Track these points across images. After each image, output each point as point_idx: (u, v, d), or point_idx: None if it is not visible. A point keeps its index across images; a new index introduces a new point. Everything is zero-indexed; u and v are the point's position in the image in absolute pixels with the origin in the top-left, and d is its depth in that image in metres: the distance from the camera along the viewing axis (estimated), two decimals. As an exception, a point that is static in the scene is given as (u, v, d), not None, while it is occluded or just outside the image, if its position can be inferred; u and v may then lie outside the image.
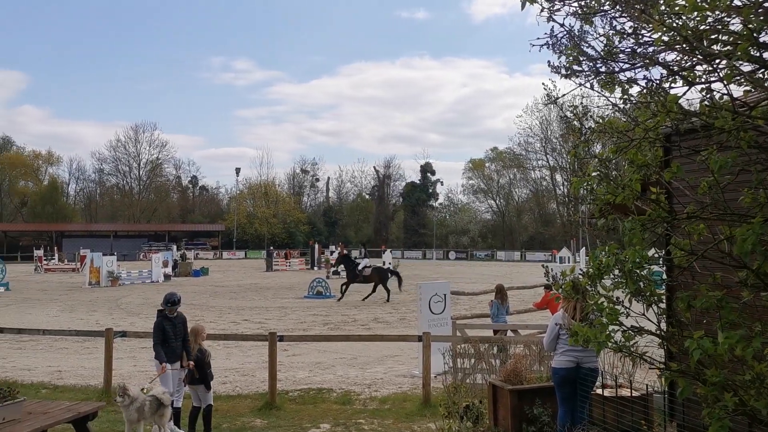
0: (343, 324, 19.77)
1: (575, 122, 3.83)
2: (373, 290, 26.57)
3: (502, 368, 8.24)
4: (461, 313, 16.97)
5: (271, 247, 62.64)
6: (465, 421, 7.48)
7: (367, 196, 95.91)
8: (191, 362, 8.38)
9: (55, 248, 64.39)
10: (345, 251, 32.10)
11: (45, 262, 51.96)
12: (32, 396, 9.20)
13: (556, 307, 12.92)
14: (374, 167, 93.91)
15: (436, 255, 75.25)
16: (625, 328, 3.32)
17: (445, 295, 12.57)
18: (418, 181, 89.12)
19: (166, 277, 39.64)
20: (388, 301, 25.83)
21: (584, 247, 47.09)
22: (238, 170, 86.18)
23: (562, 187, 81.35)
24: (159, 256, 41.64)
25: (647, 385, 6.63)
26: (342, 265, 27.41)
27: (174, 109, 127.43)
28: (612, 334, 3.26)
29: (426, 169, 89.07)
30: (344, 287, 26.94)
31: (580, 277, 3.51)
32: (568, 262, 38.87)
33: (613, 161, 3.69)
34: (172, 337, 8.47)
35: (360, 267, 27.36)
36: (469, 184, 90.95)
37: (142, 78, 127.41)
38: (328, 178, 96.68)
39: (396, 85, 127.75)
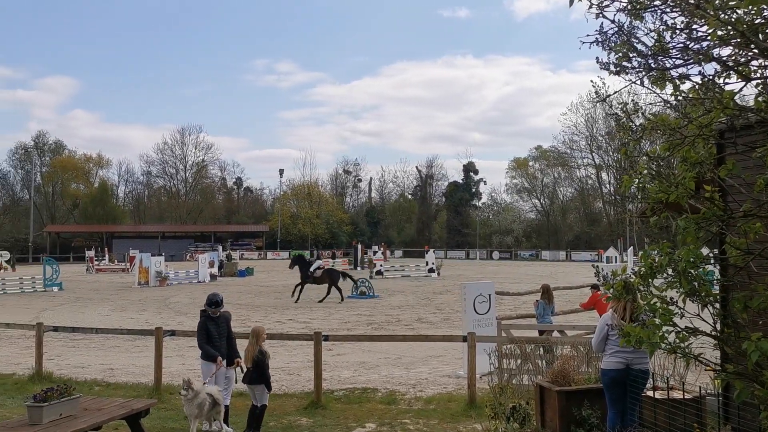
0: (387, 324, 19.81)
1: (625, 120, 3.76)
2: (328, 292, 27.17)
3: (549, 369, 8.15)
4: (506, 314, 16.84)
5: (315, 248, 63.08)
6: (512, 422, 7.42)
7: (409, 196, 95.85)
8: (238, 359, 8.50)
9: (106, 249, 66.05)
10: (299, 253, 33.56)
11: (96, 263, 53.36)
12: (86, 393, 9.45)
13: (603, 307, 12.72)
14: (416, 167, 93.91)
15: (479, 255, 74.75)
16: (679, 329, 3.25)
17: (489, 295, 12.49)
18: (460, 181, 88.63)
19: (213, 277, 40.24)
20: (342, 300, 26.48)
21: (632, 247, 46.26)
22: (281, 171, 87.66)
23: (608, 186, 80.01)
24: (205, 257, 42.31)
25: (700, 387, 6.48)
26: (297, 266, 28.92)
27: (219, 112, 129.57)
28: (666, 335, 3.19)
29: (469, 169, 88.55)
30: (299, 288, 27.48)
31: (632, 276, 3.45)
32: (615, 262, 38.19)
33: (665, 159, 3.62)
34: (216, 337, 8.61)
35: (312, 269, 28.10)
36: (512, 183, 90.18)
37: (187, 82, 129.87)
38: (371, 178, 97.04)
39: (438, 85, 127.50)
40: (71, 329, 14.54)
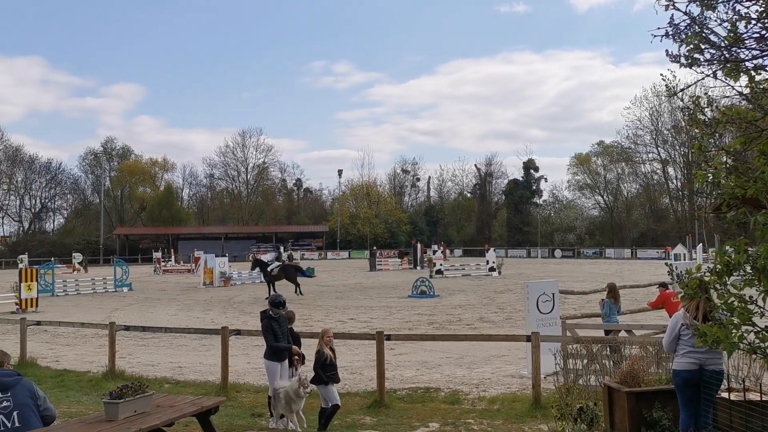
0: (448, 323, 19.72)
1: (698, 113, 3.64)
2: (296, 287, 29.16)
3: (617, 370, 7.97)
4: (569, 313, 16.54)
5: (374, 247, 63.35)
6: (579, 423, 7.28)
7: (468, 195, 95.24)
8: (297, 357, 8.68)
9: (172, 250, 67.94)
10: (258, 256, 36.21)
11: (163, 264, 54.96)
12: (157, 390, 9.73)
13: (672, 306, 12.36)
14: (475, 165, 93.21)
15: (540, 253, 73.68)
16: (758, 329, 3.13)
17: (553, 294, 12.29)
18: (520, 178, 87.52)
19: (275, 277, 40.85)
20: (299, 294, 28.50)
21: (701, 244, 44.77)
22: (340, 172, 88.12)
23: (675, 181, 77.66)
24: (267, 257, 43.02)
25: (778, 389, 6.22)
26: (258, 268, 31.32)
27: (278, 114, 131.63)
28: (745, 335, 3.07)
29: (529, 166, 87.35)
30: (270, 287, 28.71)
31: (707, 274, 3.33)
32: (684, 260, 37.02)
33: (742, 153, 3.48)
34: (280, 336, 8.76)
35: (269, 268, 29.95)
36: (574, 180, 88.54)
37: (247, 85, 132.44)
38: (429, 177, 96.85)
39: (496, 81, 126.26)
40: (142, 328, 15.01)
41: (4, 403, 5.22)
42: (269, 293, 27.21)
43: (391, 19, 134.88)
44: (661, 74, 3.78)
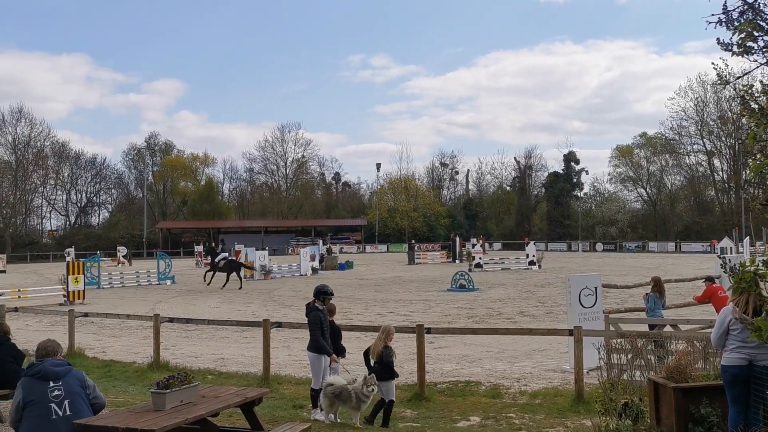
0: (488, 317, 19.62)
1: (751, 102, 3.53)
2: (227, 280, 31.90)
3: (662, 365, 7.81)
4: (612, 307, 16.29)
5: (413, 241, 63.29)
6: (624, 419, 7.16)
7: (507, 188, 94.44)
8: (333, 356, 8.70)
9: (213, 244, 68.87)
10: (213, 245, 39.71)
11: (204, 257, 55.70)
12: (200, 381, 9.88)
13: (719, 300, 12.09)
14: (515, 158, 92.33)
15: (581, 247, 72.69)
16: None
17: (595, 288, 12.13)
18: (561, 171, 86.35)
19: (314, 270, 41.17)
20: (240, 288, 30.64)
21: (748, 237, 43.67)
22: (378, 165, 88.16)
23: (721, 173, 75.84)
24: (306, 251, 43.35)
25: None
26: (209, 257, 34.79)
27: (316, 109, 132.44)
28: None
29: (569, 158, 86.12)
30: (210, 274, 32.53)
31: (762, 267, 3.23)
32: (731, 253, 36.14)
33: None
34: (326, 329, 8.78)
35: (217, 260, 33.12)
36: (616, 173, 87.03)
37: (285, 80, 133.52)
38: (468, 170, 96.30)
39: (536, 73, 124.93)
40: (185, 320, 15.25)
41: (56, 392, 5.36)
42: (206, 279, 32.30)
43: (428, 11, 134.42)
44: (713, 63, 3.67)
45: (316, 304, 8.81)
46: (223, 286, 31.22)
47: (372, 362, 8.26)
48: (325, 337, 8.68)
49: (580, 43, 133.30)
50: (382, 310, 21.93)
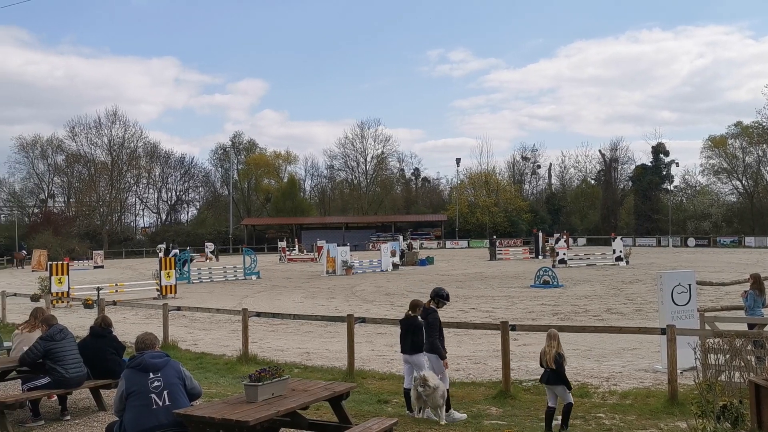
0: (574, 314, 19.17)
1: None
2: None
3: (764, 366, 7.43)
4: (707, 305, 15.62)
5: (494, 236, 62.61)
6: (722, 421, 6.85)
7: (592, 182, 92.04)
8: (446, 360, 8.62)
9: (296, 240, 70.32)
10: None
11: (287, 253, 56.99)
12: (288, 374, 10.11)
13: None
14: (599, 150, 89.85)
15: (672, 242, 70.01)
16: None
17: (689, 285, 11.62)
18: (649, 163, 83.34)
19: (395, 266, 41.32)
20: None
21: None
22: (458, 160, 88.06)
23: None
24: (387, 246, 43.55)
25: None
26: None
27: (395, 104, 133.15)
28: None
29: (658, 150, 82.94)
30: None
31: None
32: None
33: None
34: (442, 331, 8.70)
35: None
36: (708, 164, 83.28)
37: (364, 77, 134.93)
38: (550, 164, 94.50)
39: (621, 62, 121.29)
40: (272, 315, 15.60)
41: (156, 383, 5.60)
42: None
43: (507, 3, 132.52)
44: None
45: (431, 306, 8.76)
46: None
47: (546, 368, 8.14)
48: (441, 339, 8.62)
49: (669, 29, 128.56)
50: (464, 306, 21.79)
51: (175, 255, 38.89)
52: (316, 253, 52.74)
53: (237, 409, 5.54)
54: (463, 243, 76.96)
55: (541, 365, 8.15)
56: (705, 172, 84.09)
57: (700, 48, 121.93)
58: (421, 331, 8.79)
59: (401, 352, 9.01)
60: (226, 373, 11.77)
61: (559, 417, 8.05)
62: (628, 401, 9.46)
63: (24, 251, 59.46)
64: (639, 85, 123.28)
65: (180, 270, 33.30)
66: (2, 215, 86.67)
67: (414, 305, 9.06)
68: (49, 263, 28.99)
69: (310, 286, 31.17)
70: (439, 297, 8.87)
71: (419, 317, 8.83)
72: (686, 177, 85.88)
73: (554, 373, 7.99)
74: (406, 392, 9.03)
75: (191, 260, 36.24)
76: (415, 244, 62.19)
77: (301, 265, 50.05)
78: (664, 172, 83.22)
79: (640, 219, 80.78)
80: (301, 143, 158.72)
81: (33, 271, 47.77)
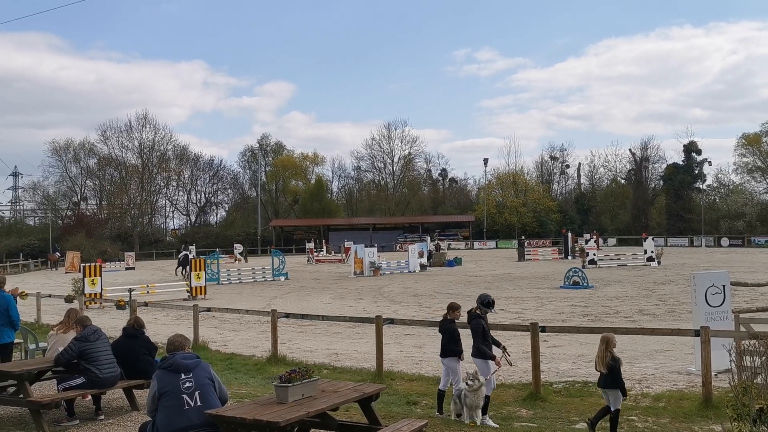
0: (605, 315, 18.96)
1: None
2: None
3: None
4: (741, 306, 15.32)
5: (523, 237, 62.19)
6: (759, 425, 6.70)
7: (622, 181, 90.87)
8: (497, 359, 8.55)
9: (323, 241, 70.58)
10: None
11: (315, 254, 57.21)
12: (317, 375, 10.14)
13: None
14: (630, 149, 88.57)
15: (705, 242, 68.81)
16: None
17: (723, 286, 11.42)
18: (681, 162, 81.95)
19: (422, 267, 41.23)
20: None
21: None
22: (485, 161, 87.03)
23: None
24: (415, 247, 43.46)
25: None
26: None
27: (422, 105, 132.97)
28: None
29: (690, 149, 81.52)
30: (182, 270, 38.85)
31: None
32: None
33: None
34: (488, 335, 8.68)
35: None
36: (742, 162, 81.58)
37: (390, 78, 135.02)
38: (579, 163, 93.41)
39: (651, 60, 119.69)
40: (300, 316, 15.67)
41: (187, 384, 5.66)
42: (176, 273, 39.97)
43: (534, 1, 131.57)
44: None
45: (477, 312, 8.74)
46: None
47: (601, 372, 8.09)
48: (486, 343, 8.61)
49: (700, 26, 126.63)
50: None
51: (185, 255, 40.74)
52: (344, 254, 52.86)
53: (267, 409, 5.57)
54: (491, 244, 76.51)
55: (596, 369, 8.09)
56: (738, 170, 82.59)
57: (732, 44, 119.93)
58: (451, 334, 8.76)
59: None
60: (256, 374, 11.85)
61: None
62: (662, 404, 9.34)
63: (58, 253, 60.53)
64: (670, 83, 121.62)
65: (185, 271, 36.80)
66: (36, 218, 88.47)
67: (451, 307, 9.02)
68: (82, 265, 29.47)
69: (338, 287, 31.25)
70: (483, 304, 8.80)
71: (470, 321, 8.78)
72: (719, 176, 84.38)
73: (608, 377, 7.93)
74: (440, 393, 9.01)
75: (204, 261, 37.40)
76: (443, 244, 61.98)
77: (329, 266, 50.20)
78: (696, 171, 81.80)
79: (672, 219, 79.55)
80: (328, 145, 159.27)
81: (66, 272, 48.60)
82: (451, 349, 8.74)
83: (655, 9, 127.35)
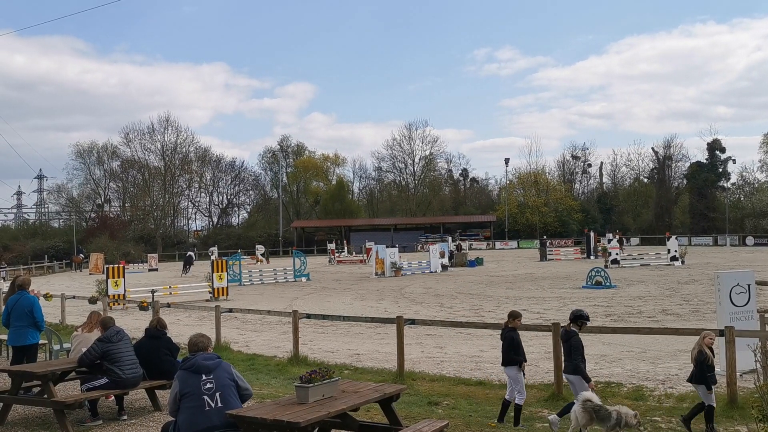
0: (628, 315, 18.78)
1: None
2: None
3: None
4: (767, 306, 15.10)
5: (545, 237, 61.78)
6: (785, 426, 6.61)
7: (645, 180, 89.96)
8: (591, 382, 8.33)
9: (344, 242, 70.70)
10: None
11: (336, 255, 57.34)
12: (338, 376, 10.15)
13: None
14: (652, 148, 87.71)
15: (729, 241, 67.87)
16: None
17: (748, 285, 11.26)
18: (704, 161, 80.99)
19: (444, 267, 41.15)
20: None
21: None
22: (507, 160, 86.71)
23: None
24: (436, 248, 43.38)
25: None
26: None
27: (442, 105, 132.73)
28: None
29: (714, 147, 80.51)
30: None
31: None
32: None
33: None
34: (583, 353, 8.37)
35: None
36: (767, 160, 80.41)
37: (411, 78, 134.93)
38: (601, 162, 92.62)
39: (674, 57, 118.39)
40: (322, 317, 15.70)
41: (208, 385, 5.70)
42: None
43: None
44: None
45: (572, 328, 8.51)
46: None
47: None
48: (583, 362, 8.27)
49: (724, 22, 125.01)
50: (514, 307, 21.32)
51: (189, 257, 44.58)
52: (365, 255, 52.91)
53: (288, 410, 5.59)
54: (513, 244, 76.13)
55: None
56: (764, 168, 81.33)
57: (757, 41, 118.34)
58: (510, 342, 8.54)
59: None
60: (278, 375, 11.90)
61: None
62: (686, 405, 9.21)
63: (82, 255, 61.33)
64: (693, 80, 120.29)
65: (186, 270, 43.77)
66: (61, 220, 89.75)
67: (511, 315, 8.83)
68: (105, 266, 29.82)
69: (360, 287, 31.29)
70: (579, 318, 8.54)
71: (569, 338, 8.38)
72: (744, 174, 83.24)
73: (695, 372, 7.89)
74: (504, 403, 8.71)
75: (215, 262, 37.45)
76: (464, 245, 61.78)
77: (350, 266, 50.28)
78: (721, 170, 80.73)
79: (696, 218, 78.59)
80: (348, 145, 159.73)
81: (90, 274, 49.25)
82: (511, 357, 8.51)
83: (677, 6, 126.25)
